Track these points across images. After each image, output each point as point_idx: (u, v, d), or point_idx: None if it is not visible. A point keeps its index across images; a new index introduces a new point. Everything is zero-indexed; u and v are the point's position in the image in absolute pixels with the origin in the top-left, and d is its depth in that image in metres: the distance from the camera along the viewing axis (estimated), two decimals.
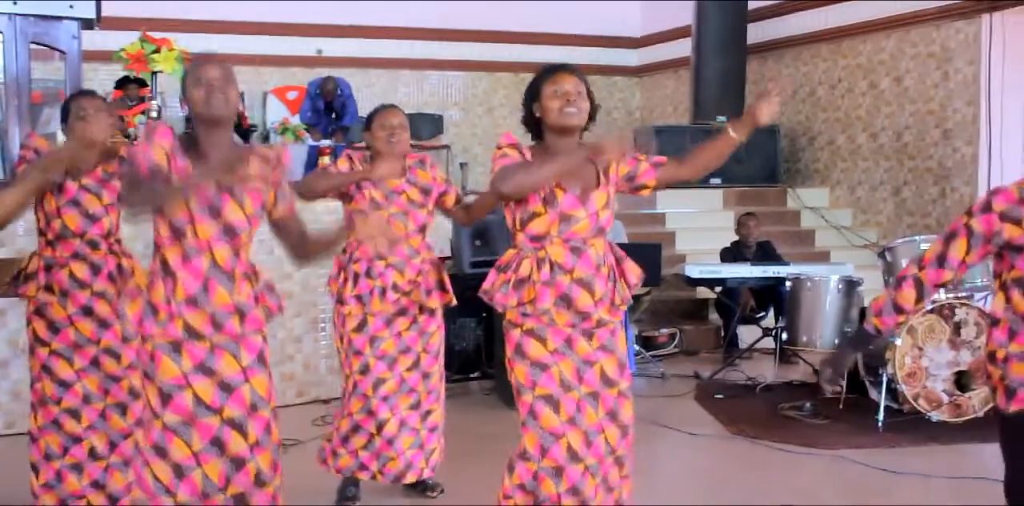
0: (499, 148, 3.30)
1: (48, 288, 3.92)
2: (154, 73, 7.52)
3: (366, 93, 10.92)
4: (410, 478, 4.38)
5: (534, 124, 3.38)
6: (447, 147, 11.26)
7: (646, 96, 13.06)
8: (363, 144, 4.50)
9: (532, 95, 3.36)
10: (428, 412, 4.40)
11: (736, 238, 8.00)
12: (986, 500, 4.37)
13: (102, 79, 9.34)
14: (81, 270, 3.91)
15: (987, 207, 2.82)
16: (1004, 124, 8.27)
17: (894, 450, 5.35)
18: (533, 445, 3.30)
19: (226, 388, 3.10)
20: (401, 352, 4.32)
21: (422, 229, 4.38)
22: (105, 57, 7.91)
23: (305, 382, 6.35)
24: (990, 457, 2.92)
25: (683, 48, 11.11)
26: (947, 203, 8.73)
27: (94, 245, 3.93)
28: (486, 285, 3.40)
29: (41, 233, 3.97)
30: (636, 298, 7.22)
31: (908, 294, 2.97)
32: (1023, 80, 8.31)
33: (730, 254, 7.87)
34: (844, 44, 9.95)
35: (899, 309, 2.99)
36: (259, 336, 3.22)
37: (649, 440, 5.26)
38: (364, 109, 4.72)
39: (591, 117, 3.35)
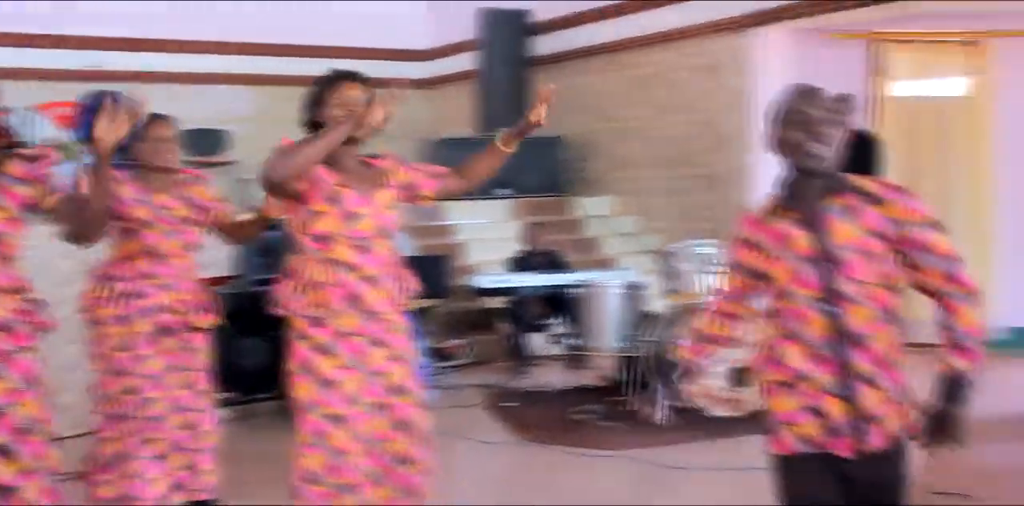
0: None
1: None
2: None
3: (145, 108, 10.53)
4: (176, 499, 4.22)
5: (316, 130, 3.35)
6: (233, 163, 10.99)
7: (433, 108, 13.08)
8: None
9: (316, 101, 3.33)
10: (204, 432, 4.27)
11: (524, 248, 8.13)
12: (770, 489, 4.58)
13: None
14: None
15: (736, 235, 2.81)
16: None
17: (679, 447, 5.55)
18: (321, 465, 3.24)
19: None
20: (169, 370, 4.17)
21: (193, 248, 4.22)
22: None
23: (81, 413, 6.03)
24: None
25: (470, 61, 11.23)
26: (722, 209, 9.10)
27: None
28: (278, 292, 3.33)
29: None
30: (425, 310, 7.23)
31: (703, 319, 2.97)
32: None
33: (518, 264, 7.99)
34: (625, 56, 10.23)
35: (699, 335, 2.97)
36: (27, 354, 3.05)
37: (443, 450, 5.24)
38: None
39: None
